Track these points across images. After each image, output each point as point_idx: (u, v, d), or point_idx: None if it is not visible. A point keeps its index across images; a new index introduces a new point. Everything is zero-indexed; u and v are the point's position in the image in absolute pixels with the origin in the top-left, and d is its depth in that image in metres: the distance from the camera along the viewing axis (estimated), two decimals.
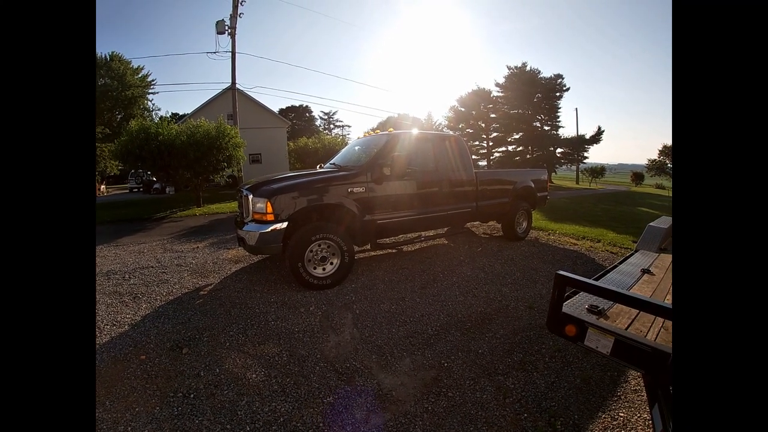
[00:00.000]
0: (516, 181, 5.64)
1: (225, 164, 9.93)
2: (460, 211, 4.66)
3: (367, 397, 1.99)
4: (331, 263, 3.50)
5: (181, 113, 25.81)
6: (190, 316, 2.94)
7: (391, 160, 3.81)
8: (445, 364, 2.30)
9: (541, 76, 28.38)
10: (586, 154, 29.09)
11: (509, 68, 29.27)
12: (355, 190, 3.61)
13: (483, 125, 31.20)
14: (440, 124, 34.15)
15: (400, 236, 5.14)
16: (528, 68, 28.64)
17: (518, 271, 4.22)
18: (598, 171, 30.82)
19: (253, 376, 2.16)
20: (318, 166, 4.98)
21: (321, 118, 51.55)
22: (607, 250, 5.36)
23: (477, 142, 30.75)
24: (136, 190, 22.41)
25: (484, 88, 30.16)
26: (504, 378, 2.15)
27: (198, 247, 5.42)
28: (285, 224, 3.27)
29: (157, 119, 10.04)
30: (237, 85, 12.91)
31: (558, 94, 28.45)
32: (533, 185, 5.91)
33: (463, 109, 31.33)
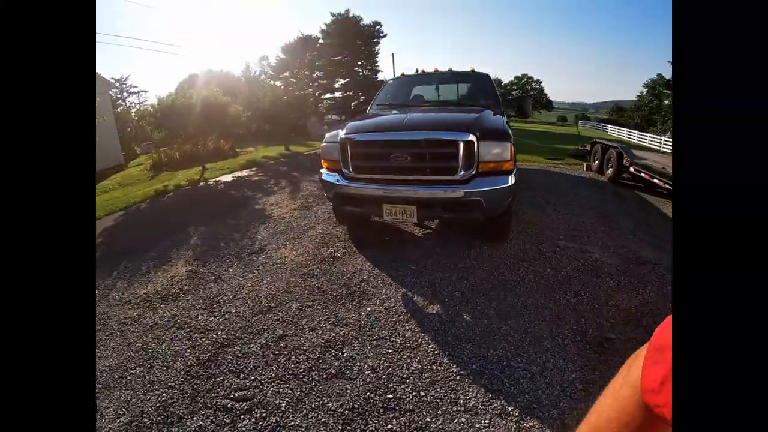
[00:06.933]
0: None
1: None
2: None
3: None
4: None
5: None
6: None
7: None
8: None
9: (363, 23, 29.69)
10: None
11: (333, 15, 29.53)
12: None
13: (307, 73, 30.38)
14: (260, 75, 30.82)
15: None
16: (351, 15, 29.38)
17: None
18: None
19: None
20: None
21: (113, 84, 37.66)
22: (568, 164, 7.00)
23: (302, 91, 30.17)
24: None
25: (310, 35, 29.16)
26: None
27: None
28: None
29: None
30: None
31: (376, 40, 30.29)
32: None
33: (284, 57, 29.35)
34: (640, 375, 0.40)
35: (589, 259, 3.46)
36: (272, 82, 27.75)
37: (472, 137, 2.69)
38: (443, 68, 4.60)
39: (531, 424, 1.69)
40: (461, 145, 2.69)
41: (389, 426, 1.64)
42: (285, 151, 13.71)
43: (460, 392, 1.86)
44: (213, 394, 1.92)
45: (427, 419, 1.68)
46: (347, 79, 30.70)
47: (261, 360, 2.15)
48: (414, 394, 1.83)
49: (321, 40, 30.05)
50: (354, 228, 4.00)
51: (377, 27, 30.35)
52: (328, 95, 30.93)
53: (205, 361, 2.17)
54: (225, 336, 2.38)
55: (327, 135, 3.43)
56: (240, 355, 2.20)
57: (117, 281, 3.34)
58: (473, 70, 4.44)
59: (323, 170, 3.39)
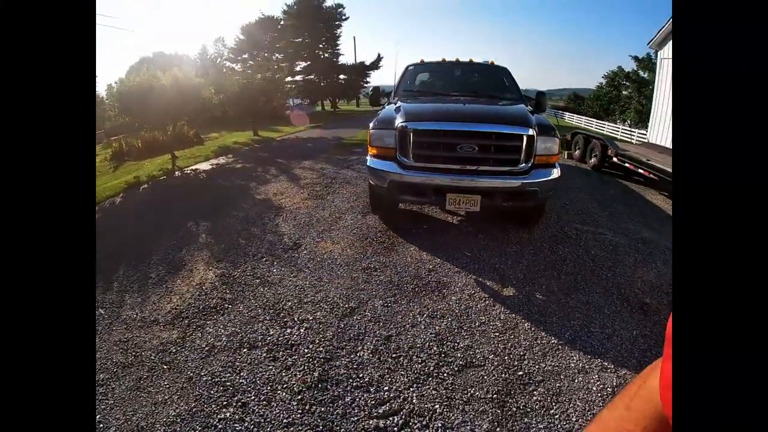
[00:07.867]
0: None
1: None
2: None
3: None
4: None
5: None
6: None
7: None
8: None
9: (325, 4, 28.54)
10: (368, 80, 32.29)
11: None
12: None
13: (266, 54, 28.78)
14: (217, 58, 28.66)
15: None
16: None
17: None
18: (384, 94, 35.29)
19: None
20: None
21: None
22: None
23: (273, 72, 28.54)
24: None
25: (272, 16, 27.65)
26: None
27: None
28: None
29: None
30: None
31: (338, 23, 29.32)
32: None
33: (243, 38, 27.61)
34: (657, 386, 0.37)
35: (606, 240, 3.87)
36: (230, 65, 26.02)
37: (532, 132, 2.94)
38: (449, 59, 4.73)
39: (624, 371, 2.06)
40: (525, 139, 2.93)
41: (534, 398, 1.83)
42: (255, 136, 13.09)
43: (568, 358, 2.13)
44: (352, 418, 1.67)
45: (557, 385, 1.91)
46: (308, 62, 29.59)
47: (382, 367, 1.98)
48: (536, 367, 2.03)
49: (282, 22, 28.50)
50: (387, 217, 4.04)
51: (340, 9, 29.44)
52: (288, 78, 29.67)
53: (315, 382, 1.85)
54: (320, 348, 2.09)
55: (375, 121, 3.39)
56: (354, 366, 1.98)
57: (124, 295, 2.72)
58: (493, 63, 4.63)
59: (371, 157, 3.36)
